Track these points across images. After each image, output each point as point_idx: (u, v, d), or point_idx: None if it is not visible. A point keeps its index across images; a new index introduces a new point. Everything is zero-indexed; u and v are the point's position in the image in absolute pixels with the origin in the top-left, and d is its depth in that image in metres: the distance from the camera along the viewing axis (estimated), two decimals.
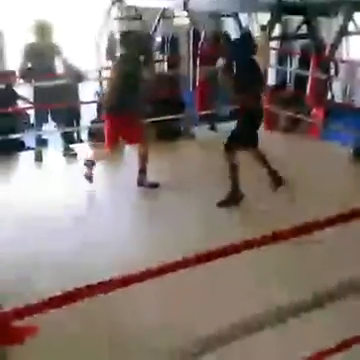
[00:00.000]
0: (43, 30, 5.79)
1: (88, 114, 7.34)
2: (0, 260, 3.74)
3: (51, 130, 6.43)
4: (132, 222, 4.61)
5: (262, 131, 7.05)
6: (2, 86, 6.41)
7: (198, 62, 7.88)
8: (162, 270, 1.67)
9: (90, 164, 5.07)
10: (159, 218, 4.56)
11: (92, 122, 6.96)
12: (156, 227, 4.38)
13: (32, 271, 3.60)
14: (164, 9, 8.58)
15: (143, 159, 5.09)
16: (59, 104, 5.89)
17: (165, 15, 8.82)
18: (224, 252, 1.76)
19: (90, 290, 1.65)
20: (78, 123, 7.28)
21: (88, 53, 9.11)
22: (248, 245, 1.84)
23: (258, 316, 2.07)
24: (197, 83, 7.86)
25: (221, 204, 4.59)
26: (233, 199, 4.60)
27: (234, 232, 3.95)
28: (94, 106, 7.33)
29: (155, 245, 3.98)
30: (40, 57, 5.73)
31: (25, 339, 2.15)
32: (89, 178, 5.07)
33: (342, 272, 2.67)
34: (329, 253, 3.74)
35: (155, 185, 5.14)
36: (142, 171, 5.13)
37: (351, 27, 7.48)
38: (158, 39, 8.82)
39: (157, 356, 2.58)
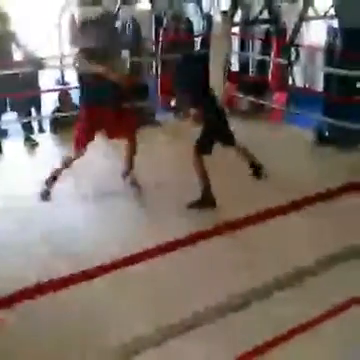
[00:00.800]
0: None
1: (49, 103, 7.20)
2: None
3: (9, 120, 6.28)
4: (93, 213, 4.50)
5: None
6: None
7: (159, 48, 7.84)
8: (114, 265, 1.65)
9: (51, 181, 4.60)
10: (118, 209, 4.47)
11: (53, 112, 6.82)
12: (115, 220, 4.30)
13: None
14: None
15: (132, 153, 4.66)
16: (18, 93, 5.77)
17: (126, 1, 8.69)
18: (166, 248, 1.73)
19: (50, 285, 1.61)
20: (39, 112, 7.12)
21: (48, 40, 8.93)
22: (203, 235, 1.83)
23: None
24: (159, 70, 7.82)
25: (192, 206, 4.34)
26: (207, 202, 4.35)
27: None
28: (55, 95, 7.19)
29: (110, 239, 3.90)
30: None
31: None
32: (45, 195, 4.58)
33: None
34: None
35: (137, 185, 4.74)
36: (130, 166, 4.72)
37: (311, 12, 7.58)
38: (118, 25, 8.68)
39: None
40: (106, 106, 4.35)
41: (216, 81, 7.49)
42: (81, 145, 4.47)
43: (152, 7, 8.62)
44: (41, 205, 4.56)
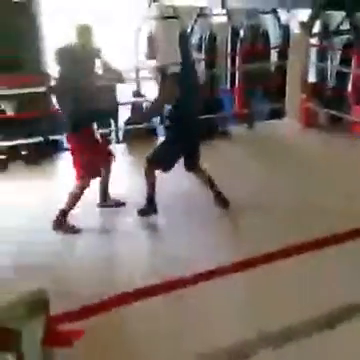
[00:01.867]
0: (84, 33, 5.88)
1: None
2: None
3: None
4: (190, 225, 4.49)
5: (300, 128, 6.96)
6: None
7: (237, 60, 7.81)
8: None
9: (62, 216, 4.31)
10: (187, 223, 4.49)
11: (126, 123, 7.02)
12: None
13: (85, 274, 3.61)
14: (201, 8, 8.51)
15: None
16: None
17: (203, 13, 8.75)
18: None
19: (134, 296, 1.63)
20: (116, 124, 7.31)
21: (126, 53, 9.14)
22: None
23: None
24: (235, 82, 7.79)
25: (141, 213, 4.49)
26: (151, 209, 4.48)
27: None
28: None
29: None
30: (81, 60, 5.80)
31: (73, 342, 2.19)
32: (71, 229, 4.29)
33: None
34: None
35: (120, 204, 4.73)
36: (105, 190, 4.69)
37: None
38: (195, 38, 8.76)
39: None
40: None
41: (293, 92, 7.36)
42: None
43: (229, 19, 8.60)
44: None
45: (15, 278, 3.34)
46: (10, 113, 6.29)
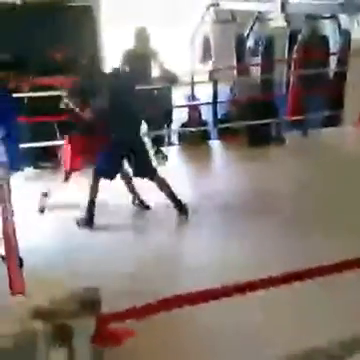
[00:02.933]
0: (142, 36, 5.96)
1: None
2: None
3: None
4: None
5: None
6: None
7: (292, 66, 7.66)
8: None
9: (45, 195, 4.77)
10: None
11: (183, 125, 7.03)
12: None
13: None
14: (259, 12, 8.42)
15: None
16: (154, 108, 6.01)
17: (260, 18, 8.65)
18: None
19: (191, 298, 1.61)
20: (169, 126, 7.34)
21: (182, 56, 9.19)
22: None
23: None
24: (290, 87, 7.64)
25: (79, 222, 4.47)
26: (88, 220, 4.44)
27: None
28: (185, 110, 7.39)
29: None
30: (139, 62, 5.88)
31: (122, 342, 2.20)
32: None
33: None
34: None
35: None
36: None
37: None
38: (251, 42, 8.67)
39: None
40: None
41: (352, 100, 7.13)
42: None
43: (288, 24, 8.46)
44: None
45: (72, 275, 3.37)
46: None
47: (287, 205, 4.75)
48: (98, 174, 4.42)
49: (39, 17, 6.79)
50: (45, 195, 4.76)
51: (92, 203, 4.43)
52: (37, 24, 6.71)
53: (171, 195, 4.55)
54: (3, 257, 3.78)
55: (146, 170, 4.55)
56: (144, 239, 4.32)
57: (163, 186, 4.53)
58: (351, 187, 4.57)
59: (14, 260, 2.89)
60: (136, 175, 4.59)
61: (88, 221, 4.45)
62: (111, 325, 2.25)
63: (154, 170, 4.58)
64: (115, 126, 4.37)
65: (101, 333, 2.24)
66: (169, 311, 1.89)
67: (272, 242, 4.00)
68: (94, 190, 4.41)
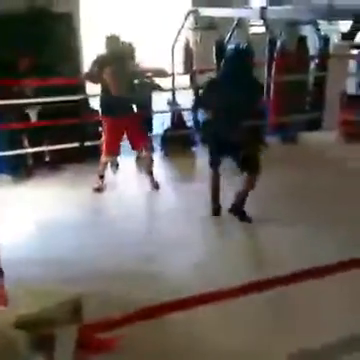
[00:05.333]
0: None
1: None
2: None
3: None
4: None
5: (337, 140, 6.80)
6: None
7: (273, 71, 7.71)
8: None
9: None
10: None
11: (166, 131, 7.02)
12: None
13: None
14: (239, 18, 8.46)
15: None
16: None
17: (240, 24, 8.69)
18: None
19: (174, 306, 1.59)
20: (150, 132, 7.31)
21: (163, 63, 9.19)
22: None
23: None
24: (271, 93, 7.68)
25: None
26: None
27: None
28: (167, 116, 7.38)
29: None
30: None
31: (110, 350, 2.16)
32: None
33: None
34: None
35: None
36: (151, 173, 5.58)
37: None
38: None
39: None
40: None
41: (331, 104, 7.22)
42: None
43: (267, 30, 8.52)
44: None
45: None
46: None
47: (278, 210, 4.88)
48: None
49: (18, 24, 6.70)
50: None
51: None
52: (16, 31, 6.61)
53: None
54: None
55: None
56: None
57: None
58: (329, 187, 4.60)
59: None
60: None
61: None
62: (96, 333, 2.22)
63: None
64: None
65: (84, 341, 2.20)
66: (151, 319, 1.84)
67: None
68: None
